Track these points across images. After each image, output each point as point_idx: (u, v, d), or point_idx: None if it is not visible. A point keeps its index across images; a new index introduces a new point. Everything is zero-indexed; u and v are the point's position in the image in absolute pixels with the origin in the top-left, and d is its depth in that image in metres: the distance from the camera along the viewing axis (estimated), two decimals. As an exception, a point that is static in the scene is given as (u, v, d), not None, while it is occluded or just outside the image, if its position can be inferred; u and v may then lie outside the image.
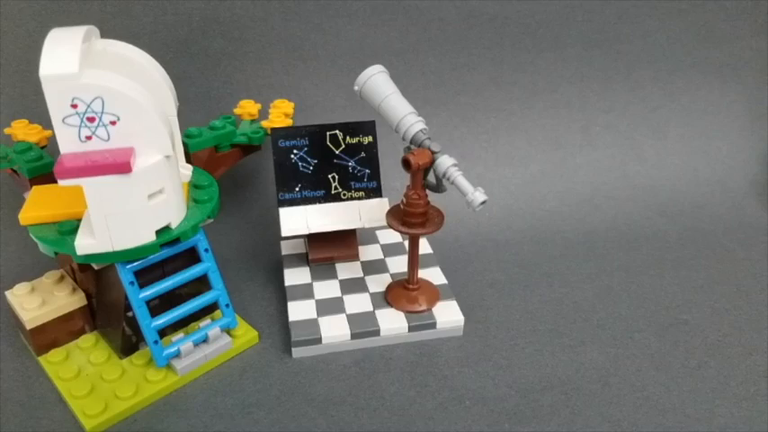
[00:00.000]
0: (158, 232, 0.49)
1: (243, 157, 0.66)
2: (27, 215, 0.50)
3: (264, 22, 0.75)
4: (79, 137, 0.44)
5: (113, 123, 0.44)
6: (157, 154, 0.47)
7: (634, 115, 0.88)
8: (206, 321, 0.59)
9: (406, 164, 0.54)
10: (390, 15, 0.78)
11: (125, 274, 0.50)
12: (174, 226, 0.50)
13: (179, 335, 0.57)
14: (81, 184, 0.44)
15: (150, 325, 0.52)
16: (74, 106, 0.42)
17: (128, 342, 0.55)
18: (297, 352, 0.57)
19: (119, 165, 0.44)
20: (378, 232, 0.73)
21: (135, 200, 0.46)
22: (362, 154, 0.65)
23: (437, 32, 0.80)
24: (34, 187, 0.54)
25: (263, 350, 0.58)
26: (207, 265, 0.55)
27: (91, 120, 0.43)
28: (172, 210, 0.50)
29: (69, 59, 0.42)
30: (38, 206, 0.51)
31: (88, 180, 0.44)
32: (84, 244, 0.47)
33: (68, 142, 0.44)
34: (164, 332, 0.55)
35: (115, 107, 0.43)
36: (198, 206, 0.53)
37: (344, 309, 0.60)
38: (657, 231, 0.78)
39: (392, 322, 0.59)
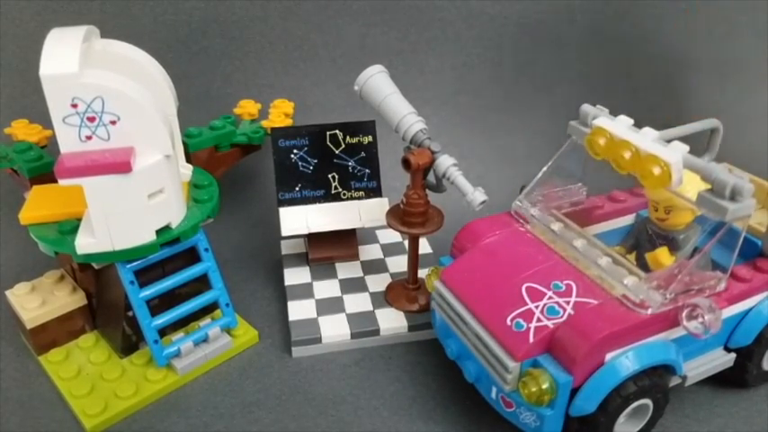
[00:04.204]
0: (158, 232, 0.49)
1: (243, 156, 0.66)
2: (27, 215, 0.50)
3: (264, 21, 0.75)
4: (79, 136, 0.44)
5: (113, 123, 0.44)
6: (157, 153, 0.47)
7: (633, 115, 0.88)
8: (206, 321, 0.59)
9: (406, 163, 0.54)
10: (390, 15, 0.78)
11: (125, 274, 0.50)
12: (174, 225, 0.50)
13: (179, 334, 0.57)
14: (81, 184, 0.44)
15: (150, 324, 0.52)
16: (74, 106, 0.42)
17: (128, 341, 0.55)
18: (297, 351, 0.57)
19: (119, 164, 0.44)
20: (377, 232, 0.73)
21: (135, 199, 0.46)
22: (362, 154, 0.65)
23: (437, 32, 0.80)
24: (34, 187, 0.54)
25: (263, 350, 0.58)
26: (207, 265, 0.55)
27: (91, 119, 0.43)
28: (172, 209, 0.50)
29: (69, 59, 0.42)
30: (38, 206, 0.51)
31: (88, 180, 0.44)
32: (85, 243, 0.47)
33: (68, 142, 0.44)
34: (164, 332, 0.55)
35: (115, 107, 0.43)
36: (198, 206, 0.53)
37: (344, 308, 0.60)
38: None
39: (392, 322, 0.59)
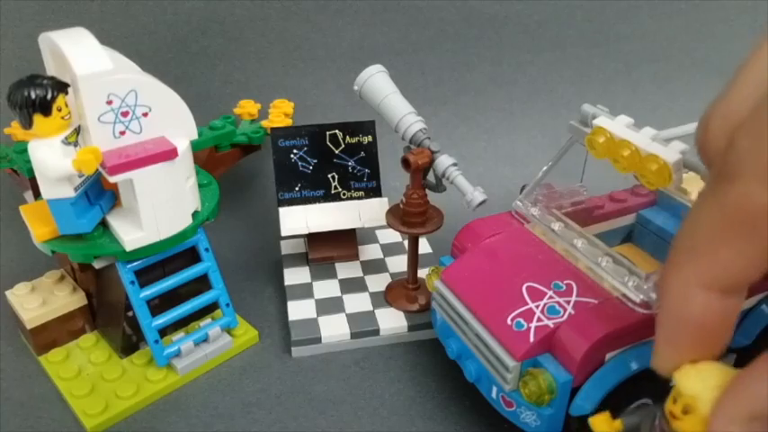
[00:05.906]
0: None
1: (243, 156, 0.66)
2: (40, 232, 0.48)
3: (264, 21, 0.75)
4: (113, 133, 0.44)
5: (145, 115, 0.44)
6: (186, 139, 0.47)
7: (634, 115, 0.87)
8: (206, 321, 0.59)
9: (406, 163, 0.54)
10: (390, 15, 0.78)
11: (126, 274, 0.50)
12: (199, 209, 0.51)
13: (179, 334, 0.57)
14: (132, 178, 0.44)
15: (151, 324, 0.52)
16: (109, 102, 0.42)
17: (128, 341, 0.55)
18: (296, 351, 0.57)
19: (166, 152, 0.45)
20: (377, 232, 0.73)
21: (177, 185, 0.48)
22: (362, 154, 0.65)
23: (437, 32, 0.80)
24: (22, 208, 0.52)
25: (263, 350, 0.58)
26: (207, 265, 0.55)
27: (125, 114, 0.43)
28: (197, 193, 0.51)
29: (101, 58, 0.42)
30: (42, 222, 0.49)
31: (139, 172, 0.44)
32: (132, 239, 0.47)
33: (104, 141, 0.44)
34: (164, 331, 0.55)
35: (147, 98, 0.44)
36: (203, 189, 0.54)
37: (344, 308, 0.60)
38: (657, 231, 0.78)
39: (392, 322, 0.59)
